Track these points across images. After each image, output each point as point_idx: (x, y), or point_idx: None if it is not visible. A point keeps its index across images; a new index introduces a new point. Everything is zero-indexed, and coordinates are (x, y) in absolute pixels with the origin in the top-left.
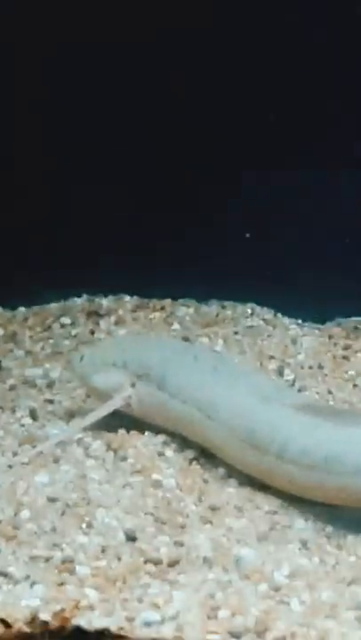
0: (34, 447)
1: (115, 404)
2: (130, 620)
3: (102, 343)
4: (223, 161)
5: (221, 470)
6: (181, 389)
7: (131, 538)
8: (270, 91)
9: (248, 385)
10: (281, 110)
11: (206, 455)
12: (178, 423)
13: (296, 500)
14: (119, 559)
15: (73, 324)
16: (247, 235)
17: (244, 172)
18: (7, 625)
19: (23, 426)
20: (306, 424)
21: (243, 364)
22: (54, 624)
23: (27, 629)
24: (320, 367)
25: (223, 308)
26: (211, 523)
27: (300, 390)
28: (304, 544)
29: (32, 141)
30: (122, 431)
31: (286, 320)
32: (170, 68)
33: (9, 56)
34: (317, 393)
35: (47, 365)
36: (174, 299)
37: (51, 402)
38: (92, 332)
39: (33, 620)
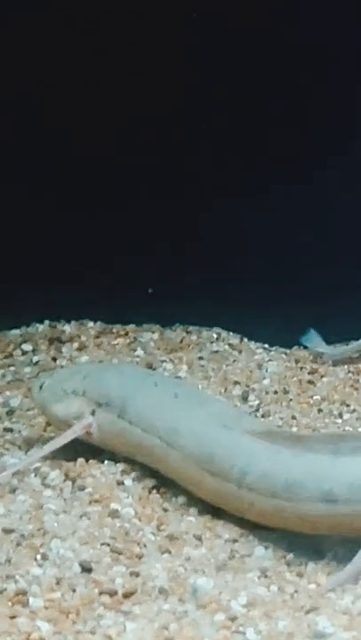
0: None
1: (75, 432)
2: None
3: (62, 371)
4: (194, 182)
5: (181, 499)
6: (141, 417)
7: (86, 569)
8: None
9: (208, 412)
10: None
11: (166, 484)
12: (138, 451)
13: (257, 528)
14: (74, 591)
15: (34, 350)
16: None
17: (213, 195)
18: None
19: None
20: (266, 450)
21: (204, 391)
22: None
23: None
24: (285, 392)
25: (188, 332)
26: (169, 552)
27: (263, 416)
28: (263, 572)
29: None
30: (80, 460)
31: (253, 344)
32: None
33: None
34: (281, 418)
35: (7, 393)
36: (138, 324)
37: (10, 430)
38: (55, 359)
39: None
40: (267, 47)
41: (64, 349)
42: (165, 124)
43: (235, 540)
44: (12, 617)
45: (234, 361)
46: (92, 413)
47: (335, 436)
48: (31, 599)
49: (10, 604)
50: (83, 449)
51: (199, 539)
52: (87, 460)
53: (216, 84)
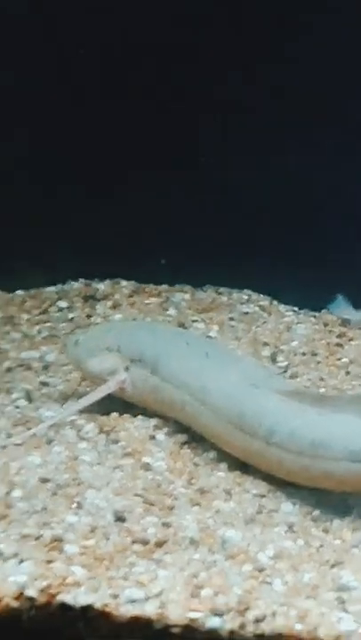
0: (28, 429)
1: (109, 387)
2: (114, 597)
3: (97, 327)
4: (216, 145)
5: (212, 454)
6: (173, 374)
7: (119, 518)
8: None
9: (238, 371)
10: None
11: (197, 439)
12: (170, 407)
13: (284, 485)
14: (107, 539)
15: (70, 307)
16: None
17: (241, 157)
18: None
19: (18, 407)
20: (293, 410)
21: (235, 351)
22: (40, 600)
23: (13, 604)
24: (313, 354)
25: (219, 294)
26: (199, 505)
27: (291, 377)
28: (290, 527)
29: None
30: (114, 414)
31: (282, 307)
32: None
33: None
34: (309, 380)
35: (43, 348)
36: (171, 284)
37: (46, 384)
38: (89, 317)
39: (20, 596)
40: None
41: (98, 307)
42: None
43: (263, 496)
44: (49, 562)
45: (264, 322)
46: (126, 369)
47: None
48: (66, 546)
49: (46, 549)
50: (117, 404)
51: (228, 493)
52: (121, 415)
53: None
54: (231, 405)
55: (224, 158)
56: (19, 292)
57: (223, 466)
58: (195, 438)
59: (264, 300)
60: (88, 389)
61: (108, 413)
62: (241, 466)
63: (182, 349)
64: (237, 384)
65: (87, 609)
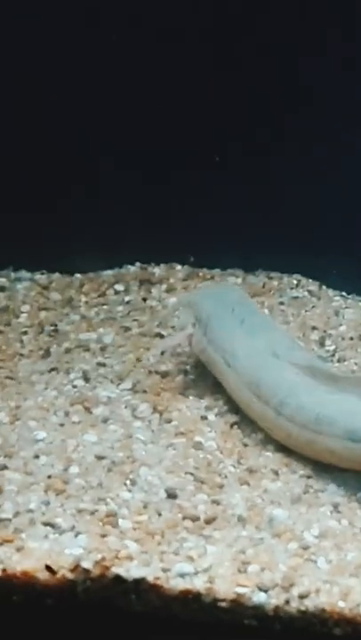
0: (85, 408)
1: (178, 338)
2: (165, 570)
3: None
4: (276, 130)
5: (260, 435)
6: (213, 337)
7: (171, 495)
8: None
9: (265, 340)
10: None
11: (246, 420)
12: (212, 368)
13: (330, 467)
14: (159, 515)
15: (126, 290)
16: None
17: (294, 144)
18: (52, 571)
19: (76, 387)
20: (304, 384)
21: (273, 321)
22: (95, 572)
23: (69, 576)
24: None
25: (270, 278)
26: (248, 484)
27: (338, 361)
28: (335, 507)
29: None
30: (168, 395)
31: (331, 292)
32: None
33: None
34: (356, 364)
35: (101, 330)
36: (223, 269)
37: (103, 365)
38: (144, 299)
39: (75, 568)
40: None
41: (153, 290)
42: None
43: (309, 476)
44: (103, 536)
45: (313, 307)
46: (193, 326)
47: None
48: (120, 520)
49: (101, 524)
50: (170, 386)
51: (276, 473)
52: (174, 395)
53: None
54: (253, 372)
55: (281, 147)
56: (77, 275)
57: (271, 447)
58: (244, 419)
59: (313, 285)
60: (142, 370)
61: (161, 394)
62: (287, 447)
63: (225, 315)
64: (260, 352)
65: (139, 582)
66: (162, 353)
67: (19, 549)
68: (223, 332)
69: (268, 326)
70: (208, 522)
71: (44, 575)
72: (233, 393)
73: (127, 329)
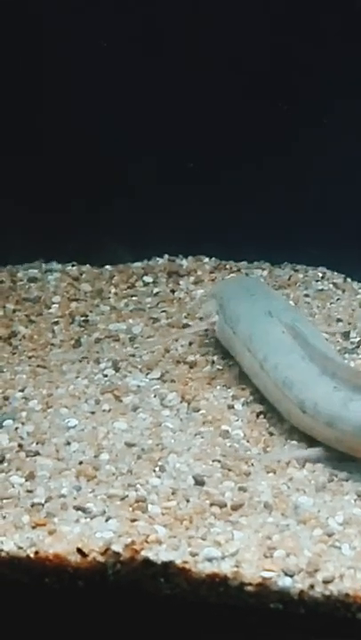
0: (116, 397)
1: (201, 325)
2: (193, 555)
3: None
4: (300, 127)
5: (286, 425)
6: (229, 316)
7: (199, 482)
8: None
9: (263, 304)
10: None
11: (272, 410)
12: (231, 349)
13: (355, 457)
14: (188, 501)
15: (155, 282)
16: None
17: (321, 141)
18: (83, 554)
19: (106, 376)
20: (288, 344)
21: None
22: (125, 555)
23: (100, 559)
24: None
25: (296, 271)
26: (274, 472)
27: None
28: (359, 496)
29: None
30: (196, 384)
31: (356, 284)
32: None
33: None
34: None
35: (130, 321)
36: (250, 261)
37: (132, 355)
38: (173, 291)
39: (106, 551)
40: None
41: (181, 282)
42: None
43: (334, 466)
44: (133, 520)
45: (337, 299)
46: (217, 313)
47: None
48: (150, 506)
49: (131, 509)
50: (197, 375)
51: (301, 462)
52: (202, 385)
53: None
54: (246, 330)
55: (306, 145)
56: (107, 267)
57: (296, 436)
58: (270, 409)
59: (338, 278)
60: (171, 360)
61: (189, 383)
62: (312, 437)
63: (243, 300)
64: (256, 314)
65: (168, 565)
66: (190, 344)
67: (51, 533)
68: (236, 309)
69: (270, 294)
70: (235, 508)
71: (75, 558)
72: (237, 357)
73: (156, 320)
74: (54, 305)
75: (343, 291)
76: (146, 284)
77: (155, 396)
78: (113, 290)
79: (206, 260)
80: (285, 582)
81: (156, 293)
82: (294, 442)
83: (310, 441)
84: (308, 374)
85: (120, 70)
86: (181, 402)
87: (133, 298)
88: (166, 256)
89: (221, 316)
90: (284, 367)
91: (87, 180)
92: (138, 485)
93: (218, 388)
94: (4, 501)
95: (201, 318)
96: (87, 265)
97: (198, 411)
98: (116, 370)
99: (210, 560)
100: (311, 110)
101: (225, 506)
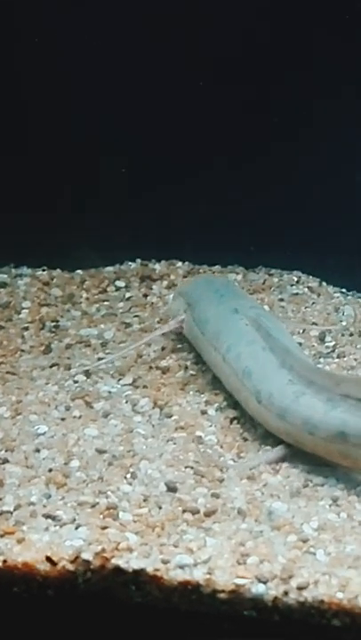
0: (86, 403)
1: (169, 325)
2: (165, 562)
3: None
4: (270, 134)
5: (260, 430)
6: (198, 316)
7: (171, 489)
8: None
9: (230, 302)
10: None
11: (246, 415)
12: (200, 350)
13: (330, 461)
14: (160, 508)
15: (127, 287)
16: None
17: (294, 143)
18: (52, 562)
19: (77, 382)
20: (250, 336)
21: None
22: (95, 563)
23: (70, 567)
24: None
25: (270, 275)
26: (248, 478)
27: (338, 356)
28: (334, 500)
29: None
30: (168, 389)
31: (331, 288)
32: None
33: None
34: (355, 359)
35: (102, 326)
36: (224, 265)
37: (100, 359)
38: (145, 296)
39: (76, 559)
40: None
41: (154, 287)
42: None
43: (309, 471)
44: (104, 528)
45: (313, 303)
46: (185, 311)
47: (335, 376)
48: (121, 513)
49: (101, 516)
50: (170, 381)
51: (276, 467)
52: (174, 390)
53: None
54: (213, 328)
55: (280, 146)
56: (78, 271)
57: (270, 441)
58: (244, 414)
59: (313, 282)
60: (143, 365)
61: (162, 389)
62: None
63: (211, 295)
64: (222, 311)
65: (139, 573)
66: (163, 349)
67: (19, 541)
68: (205, 310)
69: (239, 295)
70: (208, 515)
71: (44, 566)
72: (203, 355)
73: (128, 325)
74: (24, 310)
75: (318, 295)
76: (118, 289)
77: (126, 402)
78: (84, 295)
79: (179, 264)
80: (259, 589)
81: (129, 298)
82: (268, 447)
83: (287, 446)
84: (267, 365)
85: (83, 72)
86: (154, 408)
87: (105, 303)
88: (139, 260)
89: (190, 315)
90: (245, 357)
91: (58, 183)
92: (109, 492)
93: (191, 393)
94: None
95: (168, 318)
96: (58, 269)
97: (171, 417)
98: (87, 376)
99: (182, 567)
100: (287, 115)
101: (198, 512)
